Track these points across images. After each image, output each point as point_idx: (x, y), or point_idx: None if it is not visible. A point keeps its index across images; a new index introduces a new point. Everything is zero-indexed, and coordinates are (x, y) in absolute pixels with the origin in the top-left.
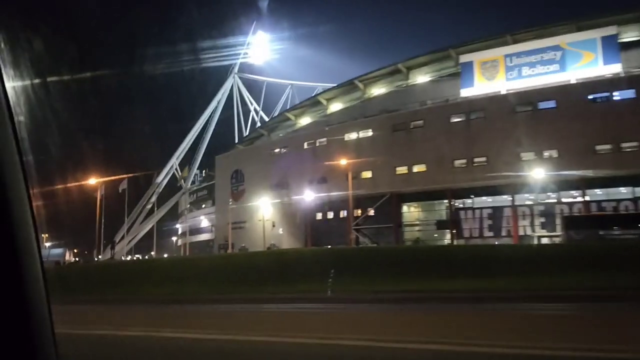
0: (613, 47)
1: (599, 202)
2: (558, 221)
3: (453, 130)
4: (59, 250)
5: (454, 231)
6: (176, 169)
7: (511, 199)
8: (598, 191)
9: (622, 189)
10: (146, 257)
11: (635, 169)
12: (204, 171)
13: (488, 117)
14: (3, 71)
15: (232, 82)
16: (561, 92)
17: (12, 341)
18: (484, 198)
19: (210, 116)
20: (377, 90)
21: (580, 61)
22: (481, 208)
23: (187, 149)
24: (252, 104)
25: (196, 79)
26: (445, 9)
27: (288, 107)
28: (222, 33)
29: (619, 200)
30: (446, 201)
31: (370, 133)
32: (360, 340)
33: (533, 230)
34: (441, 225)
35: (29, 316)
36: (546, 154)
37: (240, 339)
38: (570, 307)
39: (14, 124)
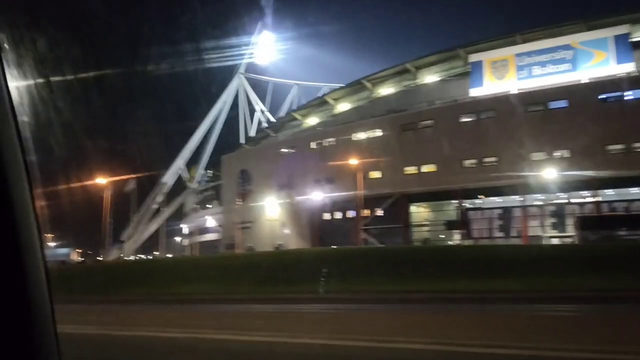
0: (625, 46)
1: (610, 202)
2: (569, 222)
3: (463, 130)
4: (65, 250)
5: (464, 232)
6: (182, 169)
7: (521, 199)
8: (609, 191)
9: (634, 190)
10: (148, 257)
11: None
12: (210, 171)
13: (498, 117)
14: (7, 71)
15: (238, 82)
16: (572, 91)
17: (14, 341)
18: (493, 198)
19: (216, 116)
20: (385, 90)
21: (592, 60)
22: (491, 208)
23: (193, 149)
24: (257, 104)
25: (202, 79)
26: (452, 9)
27: (294, 107)
28: (227, 33)
29: (630, 201)
30: (455, 201)
31: (378, 133)
32: (362, 341)
33: (543, 231)
34: (450, 225)
35: (31, 315)
36: (557, 154)
37: (240, 339)
38: (586, 309)
39: (17, 123)
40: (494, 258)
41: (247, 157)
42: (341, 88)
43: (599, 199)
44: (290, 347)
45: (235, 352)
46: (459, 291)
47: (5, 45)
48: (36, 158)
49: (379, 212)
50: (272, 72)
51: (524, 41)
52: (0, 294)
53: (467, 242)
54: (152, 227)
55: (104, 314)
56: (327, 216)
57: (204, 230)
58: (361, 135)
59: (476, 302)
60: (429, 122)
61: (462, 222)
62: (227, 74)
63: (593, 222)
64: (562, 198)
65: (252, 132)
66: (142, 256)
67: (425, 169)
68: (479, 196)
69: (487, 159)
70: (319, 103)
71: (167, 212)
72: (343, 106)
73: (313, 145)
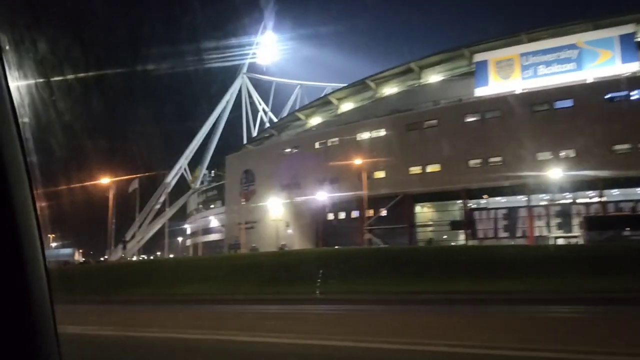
0: (631, 46)
1: (616, 202)
2: (575, 222)
3: (468, 130)
4: (68, 250)
5: (469, 232)
6: (185, 169)
7: (526, 199)
8: (615, 192)
9: None
10: (151, 257)
11: None
12: (212, 171)
13: (503, 117)
14: (8, 72)
15: (241, 82)
16: (578, 91)
17: (15, 341)
18: (498, 198)
19: (219, 116)
20: (389, 89)
21: (598, 60)
22: (496, 208)
23: (195, 149)
24: (260, 104)
25: (204, 79)
26: (455, 9)
27: (297, 107)
28: (230, 33)
29: (637, 201)
30: (460, 201)
31: (383, 133)
32: (363, 341)
33: (549, 231)
34: (455, 225)
35: (32, 316)
36: (562, 153)
37: (241, 339)
38: (593, 310)
39: (18, 124)
40: (499, 259)
41: (250, 157)
42: (345, 88)
43: (605, 199)
44: (293, 348)
45: (236, 353)
46: (464, 292)
47: (7, 47)
48: (39, 159)
49: (383, 213)
50: (275, 72)
51: (529, 40)
52: (0, 294)
53: (471, 243)
54: (155, 227)
55: (106, 315)
56: (330, 216)
57: (207, 231)
58: (365, 135)
59: (482, 304)
60: (433, 121)
61: (466, 223)
62: (230, 74)
63: (600, 222)
64: (567, 198)
65: (255, 133)
66: (144, 257)
67: (430, 169)
68: (483, 196)
69: (492, 159)
70: (323, 103)
71: (169, 212)
72: (346, 106)
73: (317, 145)
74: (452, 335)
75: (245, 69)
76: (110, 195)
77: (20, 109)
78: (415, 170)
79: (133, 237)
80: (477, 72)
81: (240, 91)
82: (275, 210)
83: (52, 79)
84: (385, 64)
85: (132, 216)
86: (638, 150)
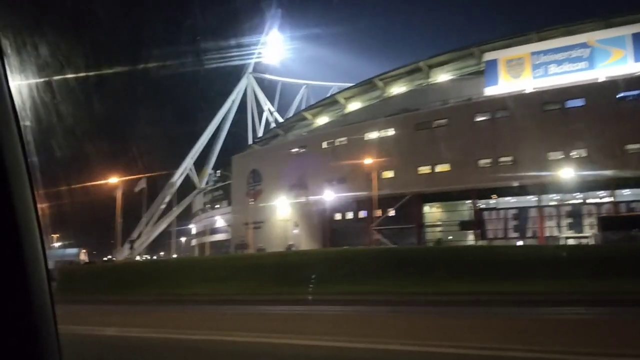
0: None
1: (628, 202)
2: (586, 222)
3: (477, 130)
4: (73, 250)
5: (478, 232)
6: (191, 169)
7: (537, 199)
8: (627, 192)
9: None
10: (154, 257)
11: None
12: (218, 171)
13: (514, 116)
14: (9, 75)
15: (247, 82)
16: (589, 90)
17: (16, 341)
18: (508, 198)
19: (224, 116)
20: (397, 89)
21: (610, 59)
22: (506, 208)
23: (201, 149)
24: (266, 103)
25: (210, 79)
26: (462, 8)
27: (303, 107)
28: (236, 33)
29: None
30: (469, 201)
31: (391, 132)
32: (364, 342)
33: (560, 232)
34: (464, 226)
35: (32, 316)
36: (574, 153)
37: (241, 340)
38: (608, 312)
39: (19, 126)
40: (508, 259)
41: (257, 157)
42: (352, 87)
43: (617, 199)
44: (297, 349)
45: (237, 353)
46: (473, 293)
47: (9, 50)
48: (44, 159)
49: (391, 213)
50: (281, 72)
51: (539, 39)
52: (1, 295)
53: (481, 243)
54: (160, 227)
55: (112, 315)
56: (338, 216)
57: (213, 231)
58: (373, 135)
59: (494, 305)
60: (443, 121)
61: (476, 223)
62: (235, 74)
63: (615, 222)
64: (578, 198)
65: (260, 133)
66: (147, 256)
67: (439, 168)
68: (492, 196)
69: (502, 159)
70: (330, 102)
71: (175, 212)
72: (354, 105)
73: (324, 144)
74: (461, 337)
75: (250, 69)
76: (119, 195)
77: (22, 112)
78: (424, 170)
79: (139, 236)
80: (486, 71)
81: (245, 91)
82: (282, 210)
83: (62, 79)
84: (392, 64)
85: (137, 216)
86: None
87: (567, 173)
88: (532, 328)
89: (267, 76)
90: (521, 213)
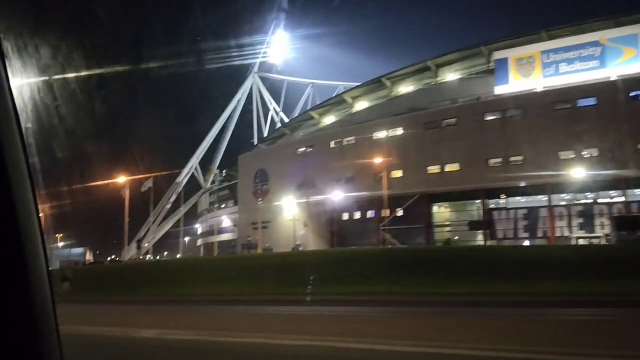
0: None
1: None
2: (597, 222)
3: (487, 129)
4: (79, 250)
5: (487, 232)
6: (196, 169)
7: (547, 198)
8: (638, 191)
9: None
10: (157, 257)
11: None
12: (223, 171)
13: (524, 115)
14: (10, 77)
15: (252, 81)
16: (601, 89)
17: (16, 341)
18: (518, 198)
19: (229, 116)
20: (405, 88)
21: (621, 57)
22: (516, 208)
23: (206, 149)
24: (271, 103)
25: (214, 79)
26: (468, 7)
27: (309, 106)
28: (241, 32)
29: None
30: (478, 201)
31: (400, 131)
32: (364, 343)
33: (570, 232)
34: (473, 225)
35: (33, 316)
36: (585, 152)
37: (239, 340)
38: (620, 313)
39: (20, 127)
40: (519, 259)
41: (263, 156)
42: (359, 86)
43: (628, 198)
44: (297, 349)
45: (238, 354)
46: (479, 294)
47: (10, 52)
48: (47, 159)
49: (399, 212)
50: (286, 72)
51: (549, 38)
52: (2, 295)
53: (490, 243)
54: (165, 227)
55: (114, 315)
56: (345, 216)
57: (219, 230)
58: (382, 134)
59: (506, 306)
60: (452, 120)
61: (485, 223)
62: (241, 73)
63: (630, 221)
64: (589, 198)
65: (265, 132)
66: (150, 256)
67: (448, 168)
68: (501, 195)
69: (512, 158)
70: (337, 102)
71: (181, 212)
72: (361, 105)
73: (332, 144)
74: (464, 338)
75: (256, 68)
76: (127, 194)
77: (23, 113)
78: (433, 169)
79: (145, 236)
80: (497, 70)
81: (251, 91)
82: (289, 210)
83: (66, 80)
84: (398, 63)
85: (142, 216)
86: None
87: (578, 172)
88: (532, 329)
89: (273, 75)
90: (531, 213)
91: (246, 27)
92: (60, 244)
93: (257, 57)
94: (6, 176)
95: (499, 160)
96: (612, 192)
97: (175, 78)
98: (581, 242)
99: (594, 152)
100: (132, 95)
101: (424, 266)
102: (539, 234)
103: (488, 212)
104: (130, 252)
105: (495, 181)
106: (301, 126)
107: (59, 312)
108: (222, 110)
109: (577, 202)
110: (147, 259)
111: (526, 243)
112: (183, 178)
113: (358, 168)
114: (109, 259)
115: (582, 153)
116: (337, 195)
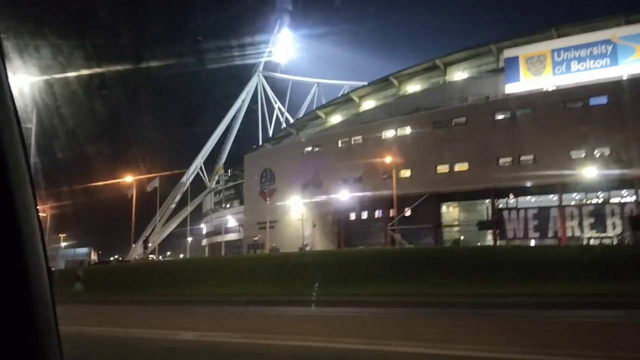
0: None
1: None
2: (609, 222)
3: (497, 128)
4: (84, 250)
5: (497, 232)
6: (201, 169)
7: (557, 198)
8: None
9: None
10: (160, 257)
11: None
12: (229, 170)
13: (534, 114)
14: (10, 77)
15: (257, 81)
16: (613, 87)
17: (16, 341)
18: (528, 198)
19: (234, 116)
20: (413, 87)
21: (633, 55)
22: (526, 208)
23: (211, 148)
24: (276, 102)
25: (219, 78)
26: (474, 5)
27: (314, 106)
28: (246, 32)
29: None
30: (488, 201)
31: (408, 131)
32: (365, 344)
33: (582, 232)
34: (483, 225)
35: (33, 316)
36: (596, 151)
37: (240, 341)
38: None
39: (21, 127)
40: (531, 260)
41: (269, 156)
42: (367, 85)
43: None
44: (298, 349)
45: (238, 354)
46: (484, 295)
47: (9, 54)
48: (50, 160)
49: (408, 212)
50: (292, 71)
51: (559, 36)
52: (2, 295)
53: (500, 243)
54: (170, 227)
55: (115, 315)
56: (353, 216)
57: (225, 230)
58: (390, 133)
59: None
60: (462, 119)
61: (495, 223)
62: (246, 73)
63: None
64: (601, 197)
65: (271, 132)
66: (153, 256)
67: (458, 167)
68: (511, 195)
69: (522, 157)
70: (344, 101)
71: (186, 212)
72: (368, 104)
73: (340, 143)
74: (466, 339)
75: (261, 68)
76: (134, 194)
77: (23, 113)
78: (442, 169)
79: (149, 236)
80: (507, 68)
81: (256, 90)
82: (295, 209)
83: (70, 81)
84: (405, 62)
85: (147, 216)
86: None
87: (589, 172)
88: (537, 331)
89: (278, 75)
90: (542, 213)
91: (251, 26)
92: (64, 244)
93: (262, 57)
94: (6, 176)
95: (509, 159)
96: (624, 192)
97: (180, 78)
98: (592, 242)
99: (606, 151)
100: (138, 95)
101: (430, 267)
102: (550, 234)
103: (498, 212)
104: (136, 252)
105: (505, 181)
106: (307, 126)
107: (68, 312)
108: (227, 110)
109: (588, 201)
110: (151, 258)
111: (533, 243)
112: (188, 178)
113: (366, 168)
114: (111, 258)
115: (594, 152)
116: (344, 195)
